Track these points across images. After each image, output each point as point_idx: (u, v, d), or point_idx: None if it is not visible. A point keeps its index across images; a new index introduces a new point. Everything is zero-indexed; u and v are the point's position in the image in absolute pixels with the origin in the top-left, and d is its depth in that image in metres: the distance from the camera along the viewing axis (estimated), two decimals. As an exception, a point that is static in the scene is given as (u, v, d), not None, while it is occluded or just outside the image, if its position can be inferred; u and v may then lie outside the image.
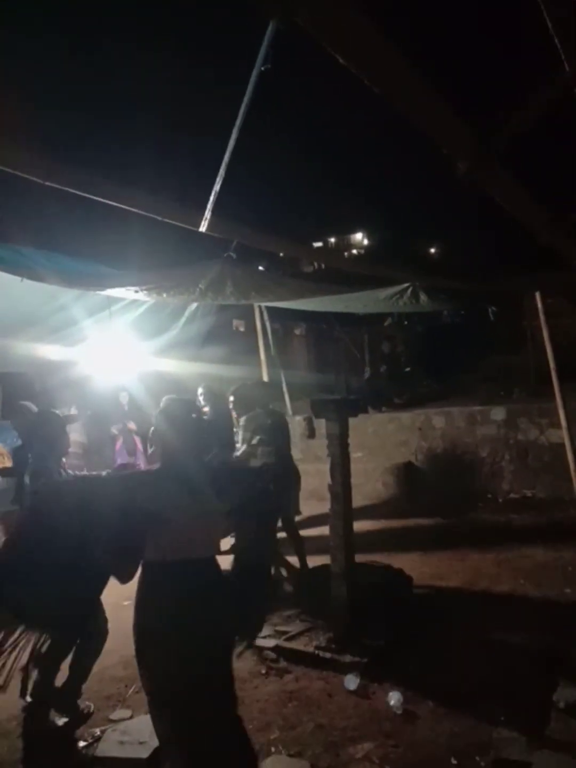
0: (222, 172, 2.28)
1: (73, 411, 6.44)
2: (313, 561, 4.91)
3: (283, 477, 4.85)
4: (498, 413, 7.94)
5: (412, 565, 5.41)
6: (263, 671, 3.80)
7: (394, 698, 3.28)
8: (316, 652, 3.86)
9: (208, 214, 2.90)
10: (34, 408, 4.99)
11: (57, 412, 4.01)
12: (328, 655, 3.80)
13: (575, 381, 8.01)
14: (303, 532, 5.30)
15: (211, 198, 2.58)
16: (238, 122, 1.86)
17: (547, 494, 7.23)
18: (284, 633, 4.18)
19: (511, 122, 1.50)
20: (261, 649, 4.04)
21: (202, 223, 2.95)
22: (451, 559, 5.66)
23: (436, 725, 3.08)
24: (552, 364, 6.77)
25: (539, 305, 6.86)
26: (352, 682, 3.50)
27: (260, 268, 11.23)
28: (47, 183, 2.44)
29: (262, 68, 1.63)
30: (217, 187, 2.44)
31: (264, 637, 4.20)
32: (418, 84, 1.20)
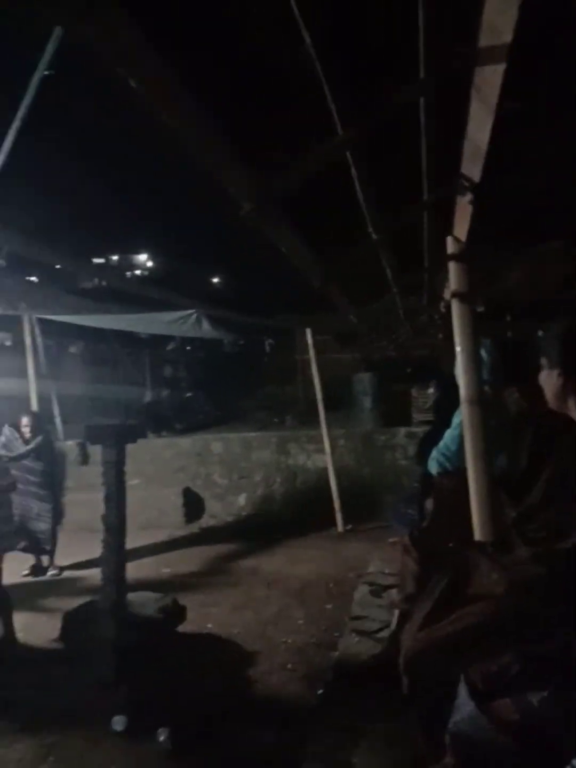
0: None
1: None
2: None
3: None
4: (271, 439, 8.37)
5: (188, 591, 5.38)
6: (22, 725, 3.42)
7: (162, 734, 3.19)
8: (83, 696, 3.60)
9: (-27, 216, 2.61)
10: None
11: None
12: (95, 697, 3.56)
13: (337, 410, 8.85)
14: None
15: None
16: (15, 125, 1.72)
17: (313, 515, 7.77)
18: (46, 679, 3.83)
19: (291, 174, 1.62)
20: (21, 700, 3.65)
21: (-34, 226, 2.64)
22: (224, 583, 5.75)
23: (207, 759, 3.07)
24: (319, 395, 7.41)
25: (309, 341, 7.49)
26: (119, 723, 3.32)
27: (32, 279, 10.41)
28: None
29: (45, 73, 1.53)
30: (-15, 189, 2.22)
31: (25, 688, 3.81)
32: (208, 124, 1.23)
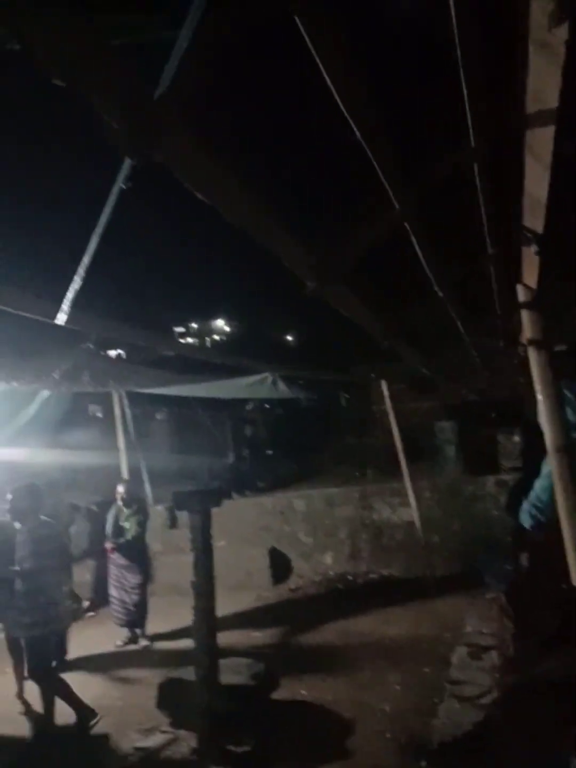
0: (81, 271, 2.29)
1: None
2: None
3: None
4: (354, 494, 8.26)
5: (278, 654, 5.32)
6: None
7: (261, 810, 3.12)
8: (180, 766, 3.60)
9: (65, 307, 2.86)
10: None
11: None
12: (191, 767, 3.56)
13: (420, 461, 8.65)
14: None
15: (70, 295, 2.56)
16: (98, 229, 1.91)
17: (403, 572, 7.53)
18: (144, 749, 3.87)
19: (348, 249, 1.70)
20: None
21: (59, 316, 2.90)
22: (315, 645, 5.64)
23: None
24: (399, 446, 7.28)
25: (385, 392, 7.44)
26: (216, 796, 3.29)
27: (119, 352, 11.03)
28: None
29: (122, 186, 1.70)
30: (75, 285, 2.44)
31: (122, 756, 3.86)
32: (268, 219, 1.34)
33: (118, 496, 6.31)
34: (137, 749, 3.89)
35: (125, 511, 6.26)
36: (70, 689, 4.29)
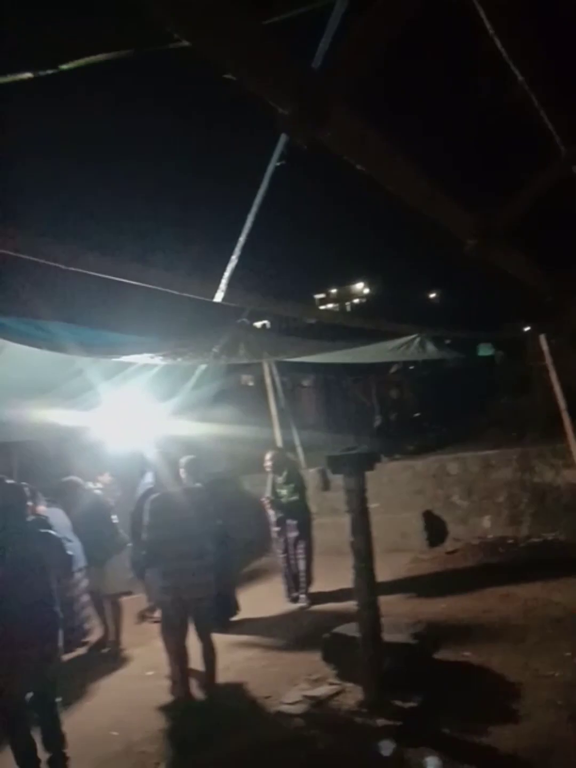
0: (237, 251, 2.41)
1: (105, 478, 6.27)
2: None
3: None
4: (512, 456, 7.90)
5: (439, 616, 5.32)
6: (291, 737, 3.71)
7: (431, 764, 3.19)
8: (348, 716, 3.78)
9: (223, 285, 3.02)
10: None
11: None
12: (359, 719, 3.71)
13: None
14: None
15: (226, 274, 2.70)
16: (253, 210, 1.99)
17: (569, 536, 7.12)
18: (313, 697, 4.10)
19: (512, 204, 1.61)
20: (288, 714, 3.97)
21: (218, 294, 3.08)
22: (476, 609, 5.55)
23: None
24: (562, 404, 6.79)
25: (545, 347, 6.93)
26: (386, 747, 3.40)
27: (265, 322, 11.46)
28: (70, 268, 2.57)
29: (277, 164, 1.75)
30: (232, 264, 2.57)
31: (292, 703, 4.12)
32: (426, 183, 1.31)
33: (267, 465, 6.51)
34: (306, 697, 4.13)
35: (278, 478, 6.46)
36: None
